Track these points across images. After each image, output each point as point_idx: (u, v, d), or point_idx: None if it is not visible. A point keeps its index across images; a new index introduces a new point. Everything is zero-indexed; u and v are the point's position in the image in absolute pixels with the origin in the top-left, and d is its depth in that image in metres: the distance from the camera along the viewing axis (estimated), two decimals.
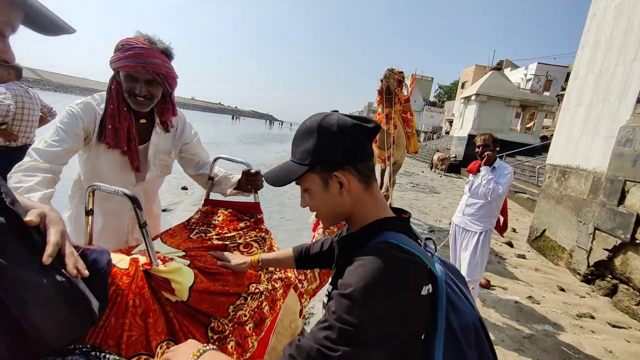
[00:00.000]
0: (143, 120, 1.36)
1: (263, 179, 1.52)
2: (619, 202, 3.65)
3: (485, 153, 2.74)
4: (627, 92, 4.10)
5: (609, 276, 3.73)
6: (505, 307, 3.21)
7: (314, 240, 2.29)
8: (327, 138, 0.70)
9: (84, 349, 0.74)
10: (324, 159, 0.70)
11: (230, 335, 1.09)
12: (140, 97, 1.25)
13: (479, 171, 2.90)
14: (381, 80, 5.15)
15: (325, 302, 0.78)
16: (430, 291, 0.66)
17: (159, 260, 0.99)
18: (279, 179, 0.74)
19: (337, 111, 0.80)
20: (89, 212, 1.05)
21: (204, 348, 0.65)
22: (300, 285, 1.99)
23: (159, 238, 1.28)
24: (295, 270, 1.75)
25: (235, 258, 1.19)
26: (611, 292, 3.66)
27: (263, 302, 1.24)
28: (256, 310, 1.21)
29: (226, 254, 1.22)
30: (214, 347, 0.68)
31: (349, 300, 0.58)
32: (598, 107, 4.70)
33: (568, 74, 19.73)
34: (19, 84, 2.84)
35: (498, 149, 2.86)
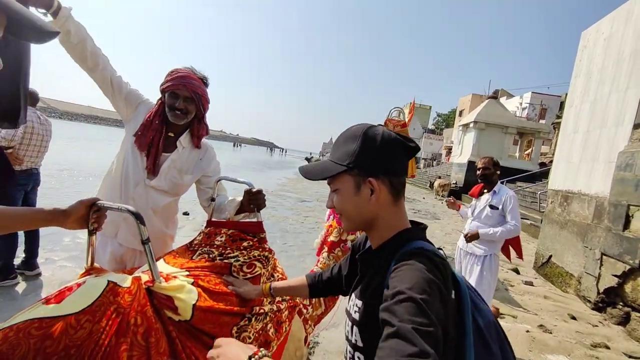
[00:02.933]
0: (171, 134, 1.55)
1: (264, 198, 1.53)
2: (624, 227, 3.62)
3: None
4: (623, 119, 4.19)
5: (621, 303, 3.61)
6: (517, 336, 3.08)
7: (318, 264, 2.25)
8: (370, 145, 0.72)
9: None
10: (362, 164, 0.72)
11: None
12: (178, 111, 1.47)
13: (481, 194, 2.90)
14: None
15: (354, 316, 0.75)
16: (454, 295, 0.68)
17: (161, 278, 0.97)
18: (314, 173, 0.77)
19: (381, 125, 0.82)
20: (91, 232, 1.04)
21: (263, 352, 0.60)
22: (305, 311, 1.93)
23: (162, 259, 1.26)
24: None
25: (246, 285, 1.17)
26: (624, 321, 3.53)
27: (268, 323, 1.20)
28: (261, 332, 1.16)
29: (237, 280, 1.20)
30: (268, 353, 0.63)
31: (412, 302, 0.56)
32: (595, 134, 4.78)
33: (561, 103, 20.25)
34: (32, 109, 2.91)
35: (499, 172, 2.87)
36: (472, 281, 2.71)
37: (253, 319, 1.13)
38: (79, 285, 0.90)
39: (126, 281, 0.94)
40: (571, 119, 5.54)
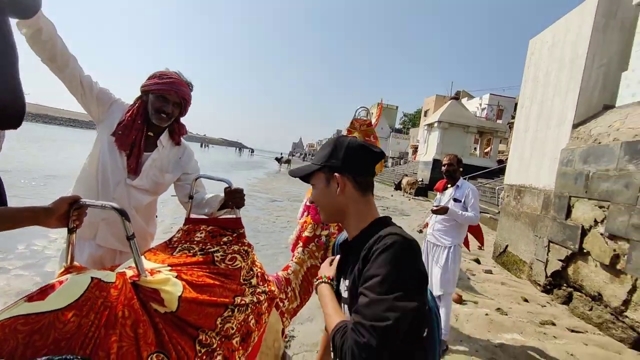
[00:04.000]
0: (151, 134, 1.58)
1: (244, 197, 1.59)
2: (566, 216, 4.03)
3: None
4: (565, 119, 4.65)
5: (565, 285, 4.02)
6: (477, 319, 3.34)
7: (293, 259, 2.33)
8: (338, 149, 0.91)
9: None
10: (331, 163, 0.91)
11: (218, 349, 1.10)
12: (165, 115, 1.53)
13: (445, 189, 3.12)
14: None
15: (344, 295, 0.90)
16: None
17: (146, 272, 1.01)
18: (297, 172, 0.97)
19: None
20: (72, 230, 1.06)
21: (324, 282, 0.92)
22: (281, 304, 2.00)
23: (142, 256, 1.28)
24: (277, 285, 1.78)
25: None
26: (567, 300, 3.93)
27: (249, 315, 1.27)
28: (243, 323, 1.23)
29: None
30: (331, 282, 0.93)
31: (386, 277, 0.71)
32: (543, 133, 5.25)
33: (515, 104, 21.71)
34: None
35: (462, 169, 3.10)
36: (439, 270, 2.89)
37: (236, 310, 1.20)
38: (61, 282, 0.92)
39: (110, 277, 0.97)
40: (522, 119, 6.02)
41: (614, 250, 3.27)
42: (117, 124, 1.52)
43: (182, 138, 1.72)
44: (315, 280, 0.96)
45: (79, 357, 0.76)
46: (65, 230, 1.05)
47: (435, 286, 2.87)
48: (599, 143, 3.74)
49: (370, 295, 0.71)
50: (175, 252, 1.37)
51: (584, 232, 3.71)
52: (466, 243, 3.18)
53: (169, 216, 6.22)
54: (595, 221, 3.58)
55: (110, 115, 1.54)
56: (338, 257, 1.01)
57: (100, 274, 0.98)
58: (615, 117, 3.86)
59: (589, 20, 4.38)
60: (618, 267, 3.22)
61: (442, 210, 2.85)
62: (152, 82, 1.53)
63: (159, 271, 1.07)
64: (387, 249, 0.75)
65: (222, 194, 1.60)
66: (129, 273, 1.00)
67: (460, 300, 3.77)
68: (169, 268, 1.18)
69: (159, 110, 1.52)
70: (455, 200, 2.98)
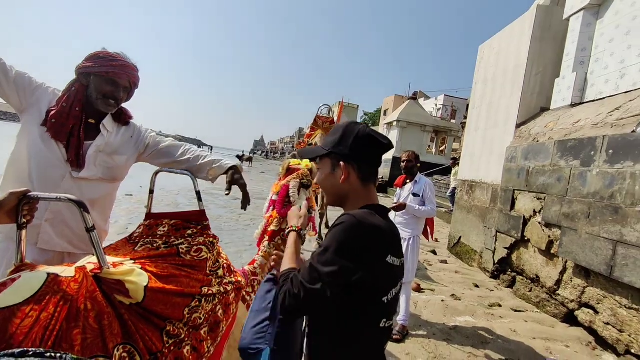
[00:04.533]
0: (92, 120, 1.44)
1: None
2: (511, 208, 4.43)
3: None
4: (509, 119, 5.09)
5: (509, 270, 4.43)
6: (434, 306, 3.58)
7: (259, 253, 2.34)
8: (347, 137, 0.92)
9: (38, 352, 0.72)
10: (338, 151, 0.92)
11: (186, 339, 1.10)
12: (113, 101, 1.42)
13: (404, 184, 3.28)
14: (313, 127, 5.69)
15: None
16: (399, 264, 0.89)
17: (109, 264, 0.99)
18: (306, 153, 1.04)
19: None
20: (22, 226, 1.00)
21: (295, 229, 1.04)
22: (248, 298, 2.01)
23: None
24: (244, 278, 1.79)
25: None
26: (511, 284, 4.34)
27: (217, 305, 1.28)
28: (210, 313, 1.24)
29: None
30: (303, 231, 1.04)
31: (327, 248, 0.81)
32: (491, 132, 5.70)
33: (468, 105, 23.17)
34: None
35: (419, 165, 3.27)
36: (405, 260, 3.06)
37: (203, 300, 1.20)
38: (14, 280, 0.87)
39: (68, 271, 0.94)
40: (473, 119, 6.49)
41: (549, 236, 3.67)
42: (48, 112, 1.35)
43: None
44: (286, 229, 1.03)
45: (41, 349, 0.74)
46: (4, 226, 0.98)
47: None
48: (537, 141, 4.15)
49: (311, 260, 0.83)
50: (137, 247, 1.34)
51: (525, 222, 4.11)
52: (425, 234, 3.39)
53: (123, 216, 5.88)
54: (534, 211, 3.98)
55: (37, 103, 1.37)
56: (305, 203, 1.13)
57: (57, 269, 0.95)
58: (550, 119, 4.31)
59: (528, 31, 4.84)
60: (552, 251, 3.62)
61: (400, 207, 2.99)
62: (96, 63, 1.38)
63: (122, 264, 1.05)
64: (336, 226, 0.83)
65: (226, 162, 1.60)
66: (90, 267, 0.97)
67: (418, 289, 4.00)
68: (132, 262, 1.15)
69: (108, 96, 1.40)
70: (414, 194, 3.12)
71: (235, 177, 1.61)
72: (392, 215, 3.26)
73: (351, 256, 0.79)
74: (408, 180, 3.26)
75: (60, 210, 1.36)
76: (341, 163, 0.91)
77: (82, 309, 0.86)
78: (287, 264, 0.93)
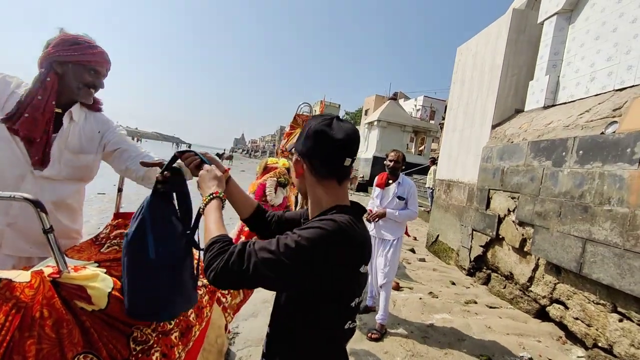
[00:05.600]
0: (58, 110, 1.32)
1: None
2: (486, 206, 4.55)
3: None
4: (485, 120, 5.23)
5: (485, 268, 4.55)
6: (412, 304, 3.62)
7: None
8: (303, 132, 0.91)
9: None
10: (297, 147, 0.93)
11: (155, 345, 1.03)
12: (94, 90, 1.36)
13: (387, 185, 3.15)
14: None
15: None
16: (366, 271, 0.87)
17: (69, 268, 0.90)
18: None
19: (337, 117, 0.92)
20: None
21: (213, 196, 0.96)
22: (223, 300, 1.94)
23: (64, 254, 1.14)
24: None
25: (215, 163, 1.12)
26: (487, 281, 4.46)
27: None
28: (181, 317, 1.17)
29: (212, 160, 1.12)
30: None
31: (294, 241, 0.76)
32: (467, 132, 5.84)
33: (446, 106, 23.79)
34: None
35: (404, 167, 3.22)
36: (382, 261, 3.01)
37: None
38: None
39: (23, 276, 0.85)
40: (451, 119, 6.62)
41: (522, 235, 3.79)
42: (20, 106, 1.23)
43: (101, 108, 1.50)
44: (204, 198, 0.95)
45: None
46: None
47: (379, 276, 3.02)
48: (512, 142, 4.28)
49: (274, 241, 0.78)
50: (103, 248, 1.25)
51: (500, 220, 4.23)
52: (406, 232, 3.40)
53: (95, 216, 5.62)
54: (509, 210, 4.10)
55: None
56: (213, 167, 1.06)
57: (10, 274, 0.86)
58: (524, 120, 4.45)
59: (504, 34, 4.98)
60: (525, 249, 3.74)
61: (380, 215, 2.97)
62: (77, 51, 1.29)
63: (85, 267, 0.97)
64: (318, 227, 0.78)
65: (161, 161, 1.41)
66: (48, 271, 0.89)
67: (397, 287, 4.04)
68: (97, 265, 1.07)
69: (90, 85, 1.33)
70: (399, 198, 3.06)
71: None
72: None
73: (325, 265, 0.77)
74: (391, 181, 3.17)
75: (22, 214, 1.25)
76: (297, 158, 0.92)
77: (37, 317, 0.78)
78: (214, 230, 0.86)
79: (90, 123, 1.44)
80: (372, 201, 3.31)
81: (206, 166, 1.05)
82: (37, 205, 0.86)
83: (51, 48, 1.27)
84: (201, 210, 0.95)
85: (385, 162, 3.17)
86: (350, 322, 0.88)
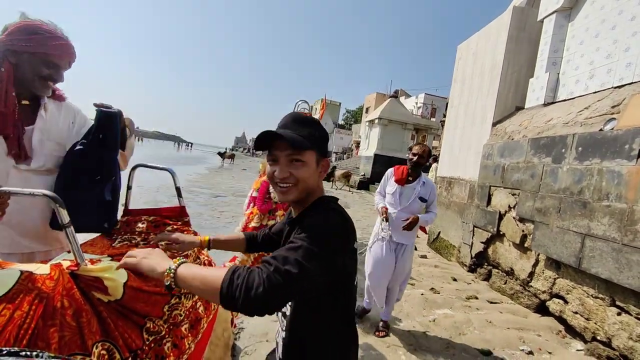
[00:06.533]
0: (25, 102, 1.27)
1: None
2: (487, 203, 4.58)
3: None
4: (486, 117, 5.25)
5: (486, 264, 4.59)
6: (414, 299, 3.66)
7: (237, 261, 2.32)
8: (323, 134, 0.97)
9: (12, 351, 0.69)
10: (322, 147, 0.96)
11: (167, 336, 1.08)
12: (52, 82, 1.28)
13: (407, 182, 2.80)
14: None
15: None
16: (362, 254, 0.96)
17: (86, 261, 0.95)
18: (296, 141, 0.87)
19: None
20: None
21: (181, 260, 0.83)
22: None
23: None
24: None
25: (184, 236, 1.22)
26: (488, 277, 4.50)
27: (197, 301, 1.26)
28: (191, 310, 1.22)
29: (175, 234, 1.23)
30: (185, 260, 0.85)
31: (308, 239, 0.81)
32: (468, 130, 5.86)
33: (447, 104, 23.81)
34: None
35: (428, 163, 3.08)
36: (403, 264, 2.82)
37: (183, 297, 1.18)
38: None
39: (43, 269, 0.90)
40: (452, 117, 6.65)
41: (523, 231, 3.83)
42: None
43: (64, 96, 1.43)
44: (167, 272, 0.80)
45: (16, 348, 0.71)
46: None
47: (392, 279, 2.84)
48: (512, 139, 4.31)
49: (289, 247, 0.80)
50: (114, 243, 1.30)
51: (501, 217, 4.27)
52: (423, 229, 3.38)
53: None
54: (509, 207, 4.13)
55: None
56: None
57: (30, 266, 0.91)
58: (524, 117, 4.47)
59: (504, 32, 5.00)
60: (526, 245, 3.78)
61: (413, 225, 2.64)
62: (32, 41, 1.19)
63: (100, 260, 1.01)
64: (320, 220, 0.87)
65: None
66: (66, 264, 0.94)
67: None
68: (110, 258, 1.12)
69: (47, 78, 1.25)
70: (422, 199, 2.78)
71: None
72: (391, 220, 2.79)
73: (339, 245, 0.87)
74: (411, 178, 2.81)
75: (13, 211, 1.18)
76: (325, 159, 0.98)
77: (58, 307, 0.83)
78: (214, 271, 0.78)
79: (62, 113, 1.41)
80: (379, 197, 2.97)
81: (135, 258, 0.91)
82: (56, 200, 0.90)
83: (5, 35, 1.18)
84: (172, 283, 0.79)
85: (407, 155, 2.86)
86: (355, 303, 1.03)
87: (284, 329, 0.97)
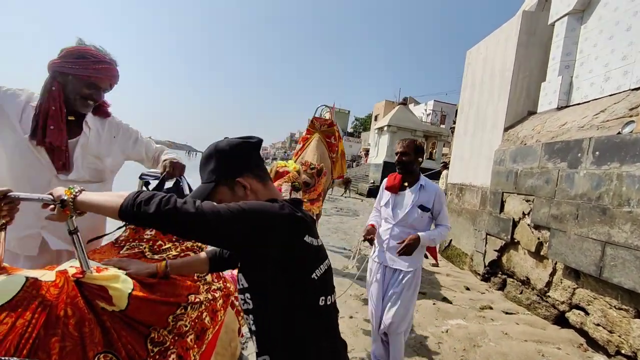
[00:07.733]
0: (71, 117, 1.39)
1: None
2: (500, 210, 4.47)
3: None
4: (497, 123, 5.17)
5: (500, 273, 4.46)
6: (426, 309, 3.57)
7: None
8: (224, 156, 0.92)
9: None
10: (226, 173, 0.92)
11: (172, 347, 1.05)
12: (92, 102, 1.39)
13: (402, 189, 2.23)
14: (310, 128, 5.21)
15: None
16: (318, 245, 0.92)
17: (92, 269, 0.94)
18: (198, 196, 0.90)
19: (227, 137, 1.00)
20: (1, 227, 0.95)
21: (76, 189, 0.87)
22: (237, 303, 1.96)
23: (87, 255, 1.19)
24: (233, 284, 1.74)
25: (136, 263, 1.12)
26: (502, 286, 4.36)
27: (203, 312, 1.23)
28: (197, 320, 1.19)
29: (126, 260, 1.15)
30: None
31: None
32: (479, 136, 5.77)
33: (456, 110, 23.60)
34: None
35: (421, 160, 2.25)
36: (390, 300, 2.14)
37: (189, 307, 1.15)
38: None
39: (49, 275, 0.89)
40: (462, 123, 6.57)
41: (538, 238, 3.71)
42: (39, 118, 1.28)
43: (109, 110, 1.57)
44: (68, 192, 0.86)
45: (16, 359, 0.69)
46: None
47: (384, 320, 2.13)
48: (525, 144, 4.21)
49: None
50: (122, 250, 1.29)
51: (515, 224, 4.15)
52: (433, 253, 3.25)
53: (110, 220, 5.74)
54: (524, 213, 4.02)
55: (8, 113, 1.29)
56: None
57: (36, 273, 0.90)
58: (537, 122, 4.38)
59: (514, 36, 4.94)
60: (542, 253, 3.65)
61: (410, 248, 2.00)
62: (77, 64, 1.32)
63: (106, 268, 1.00)
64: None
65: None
66: (72, 271, 0.92)
67: None
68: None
69: (88, 97, 1.37)
70: (422, 208, 2.15)
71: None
72: (384, 237, 2.24)
73: (271, 223, 0.83)
74: (407, 184, 2.24)
75: (44, 212, 1.33)
76: (238, 179, 0.92)
77: (61, 316, 0.81)
78: (114, 195, 0.82)
79: (105, 128, 1.53)
80: (375, 213, 2.43)
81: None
82: (64, 205, 0.90)
83: (58, 58, 1.33)
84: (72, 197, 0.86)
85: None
86: (323, 297, 0.91)
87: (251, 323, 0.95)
